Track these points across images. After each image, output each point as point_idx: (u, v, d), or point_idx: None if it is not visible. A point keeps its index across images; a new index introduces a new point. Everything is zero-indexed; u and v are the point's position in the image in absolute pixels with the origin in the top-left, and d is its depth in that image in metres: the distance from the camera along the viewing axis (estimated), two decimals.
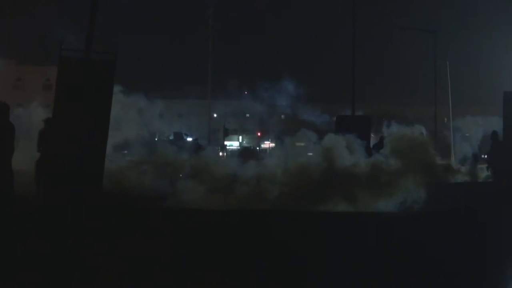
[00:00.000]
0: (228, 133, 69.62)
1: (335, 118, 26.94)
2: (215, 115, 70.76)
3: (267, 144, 66.28)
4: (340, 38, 73.03)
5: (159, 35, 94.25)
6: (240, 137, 78.46)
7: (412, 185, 16.44)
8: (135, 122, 22.50)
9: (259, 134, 74.73)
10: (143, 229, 12.25)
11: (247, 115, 77.18)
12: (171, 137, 42.52)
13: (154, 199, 15.96)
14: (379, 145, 20.56)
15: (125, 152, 22.21)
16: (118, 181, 17.85)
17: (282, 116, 56.64)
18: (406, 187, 16.38)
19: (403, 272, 9.48)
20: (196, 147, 24.21)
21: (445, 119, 52.50)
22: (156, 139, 31.74)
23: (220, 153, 44.64)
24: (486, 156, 25.17)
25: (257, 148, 66.83)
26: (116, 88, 20.15)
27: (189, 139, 46.11)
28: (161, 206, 15.36)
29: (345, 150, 17.71)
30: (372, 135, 23.60)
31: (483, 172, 24.89)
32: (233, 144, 71.84)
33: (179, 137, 43.24)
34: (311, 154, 18.47)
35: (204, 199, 16.14)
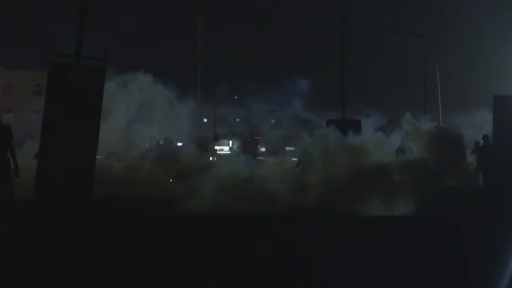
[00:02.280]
0: (218, 138, 69.53)
1: (324, 122, 26.95)
2: (205, 120, 70.67)
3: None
4: (334, 41, 73.24)
5: (149, 37, 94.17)
6: (231, 142, 78.35)
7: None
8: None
9: (249, 139, 74.60)
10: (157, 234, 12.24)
11: (237, 119, 77.14)
12: (162, 142, 42.28)
13: (168, 202, 16.02)
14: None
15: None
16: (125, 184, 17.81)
17: (272, 121, 56.65)
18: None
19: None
20: None
21: (435, 123, 52.71)
22: (146, 144, 31.65)
23: (211, 158, 44.49)
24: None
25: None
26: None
27: (179, 144, 45.91)
28: (174, 210, 15.44)
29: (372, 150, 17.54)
30: None
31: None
32: (223, 148, 71.70)
33: (170, 142, 42.97)
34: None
35: (224, 202, 16.06)
